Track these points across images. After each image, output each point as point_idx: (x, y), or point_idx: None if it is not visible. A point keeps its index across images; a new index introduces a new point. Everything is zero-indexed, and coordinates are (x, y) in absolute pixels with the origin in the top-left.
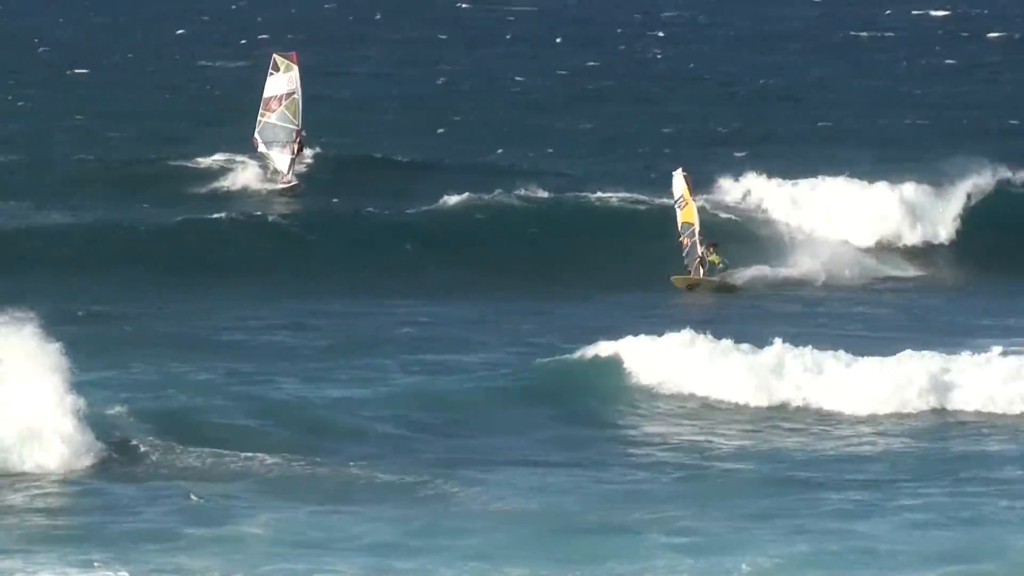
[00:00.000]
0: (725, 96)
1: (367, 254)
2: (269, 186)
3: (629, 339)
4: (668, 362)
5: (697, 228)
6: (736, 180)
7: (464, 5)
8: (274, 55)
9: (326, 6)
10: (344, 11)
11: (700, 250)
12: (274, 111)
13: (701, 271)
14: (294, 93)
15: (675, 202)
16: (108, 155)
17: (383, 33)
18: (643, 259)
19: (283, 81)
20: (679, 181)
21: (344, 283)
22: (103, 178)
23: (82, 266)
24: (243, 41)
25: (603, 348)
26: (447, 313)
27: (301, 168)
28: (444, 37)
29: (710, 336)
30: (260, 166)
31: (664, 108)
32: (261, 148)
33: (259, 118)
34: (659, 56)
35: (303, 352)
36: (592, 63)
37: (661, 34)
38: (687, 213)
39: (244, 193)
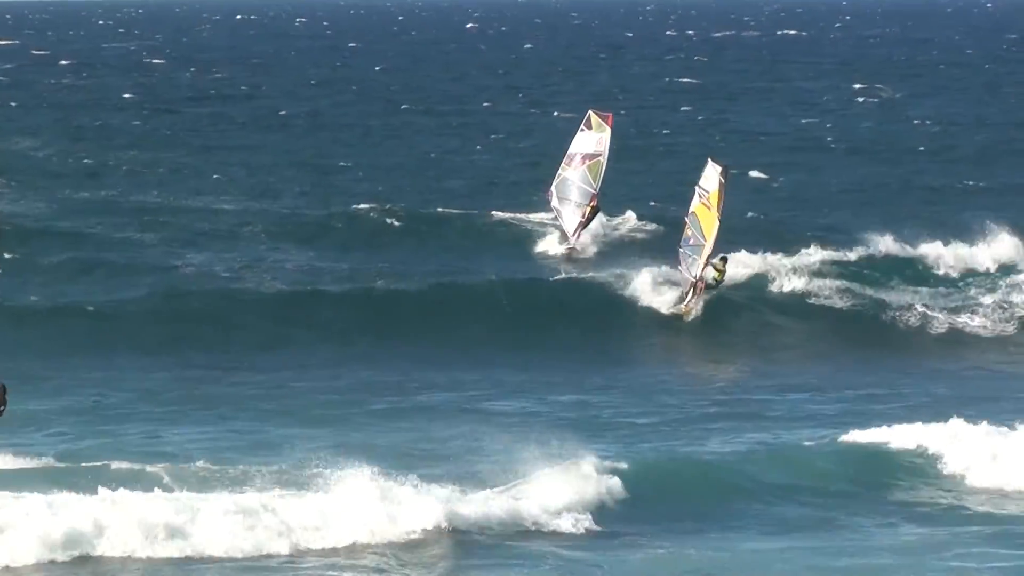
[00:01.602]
0: None
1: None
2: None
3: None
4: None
5: (710, 243)
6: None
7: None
8: (590, 112)
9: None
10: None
11: (700, 271)
12: (575, 168)
13: (691, 295)
14: (600, 155)
15: (698, 193)
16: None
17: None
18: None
19: (592, 140)
20: (712, 175)
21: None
22: (433, 232)
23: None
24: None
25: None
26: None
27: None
28: None
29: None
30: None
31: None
32: (554, 203)
33: (559, 171)
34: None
35: (596, 420)
36: None
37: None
38: (707, 218)
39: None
